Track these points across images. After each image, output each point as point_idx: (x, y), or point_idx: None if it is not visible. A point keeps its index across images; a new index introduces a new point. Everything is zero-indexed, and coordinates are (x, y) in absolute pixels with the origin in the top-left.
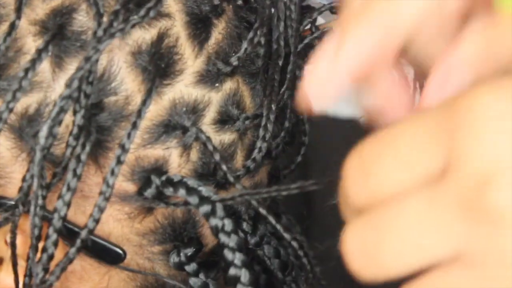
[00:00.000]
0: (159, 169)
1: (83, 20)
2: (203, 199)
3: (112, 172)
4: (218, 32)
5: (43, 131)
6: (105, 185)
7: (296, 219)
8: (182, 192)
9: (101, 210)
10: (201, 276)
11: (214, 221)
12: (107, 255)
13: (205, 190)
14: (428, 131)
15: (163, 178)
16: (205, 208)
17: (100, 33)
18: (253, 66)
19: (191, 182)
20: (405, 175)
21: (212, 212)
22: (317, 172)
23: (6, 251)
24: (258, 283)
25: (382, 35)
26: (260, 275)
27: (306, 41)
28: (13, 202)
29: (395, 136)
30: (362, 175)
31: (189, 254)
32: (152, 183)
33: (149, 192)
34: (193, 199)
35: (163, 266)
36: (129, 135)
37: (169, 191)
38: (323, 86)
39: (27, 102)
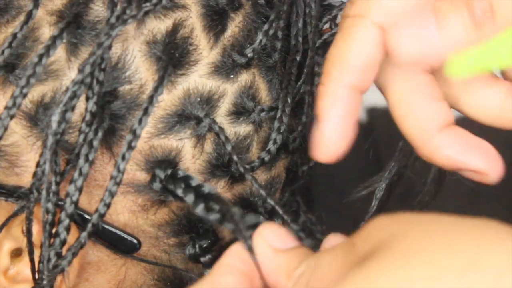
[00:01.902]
0: (172, 160)
1: (99, 10)
2: (198, 198)
3: (123, 157)
4: (235, 25)
5: (56, 116)
6: (116, 170)
7: None
8: (179, 190)
9: (112, 194)
10: None
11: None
12: (122, 244)
13: (208, 188)
14: None
15: (168, 172)
16: (200, 208)
17: (113, 20)
18: (270, 60)
19: (194, 181)
20: None
21: (208, 210)
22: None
23: (24, 241)
24: None
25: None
26: None
27: (325, 37)
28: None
29: None
30: None
31: (204, 245)
32: (156, 177)
33: (156, 186)
34: (189, 198)
35: (180, 259)
36: (140, 121)
37: (171, 186)
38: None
39: (43, 90)
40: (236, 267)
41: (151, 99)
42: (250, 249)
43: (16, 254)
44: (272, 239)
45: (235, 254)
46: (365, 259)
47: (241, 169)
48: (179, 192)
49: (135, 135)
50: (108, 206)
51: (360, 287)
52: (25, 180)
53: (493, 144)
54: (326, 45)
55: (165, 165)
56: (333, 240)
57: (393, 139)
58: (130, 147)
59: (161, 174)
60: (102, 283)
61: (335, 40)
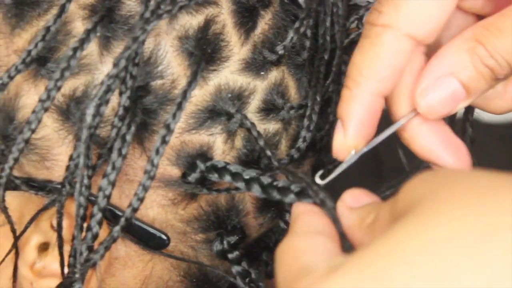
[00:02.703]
0: (204, 154)
1: (131, 4)
2: (249, 181)
3: (157, 152)
4: (265, 22)
5: (90, 109)
6: (149, 164)
7: None
8: (228, 177)
9: (146, 189)
10: (244, 264)
11: (273, 193)
12: (151, 240)
13: (247, 172)
14: None
15: (208, 163)
16: (256, 188)
17: (147, 14)
18: (299, 58)
19: (234, 168)
20: None
21: (264, 190)
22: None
23: (52, 236)
24: None
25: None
26: None
27: (352, 36)
28: (58, 185)
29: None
30: None
31: (232, 242)
32: (197, 167)
33: (193, 176)
34: (240, 184)
35: (206, 256)
36: (174, 115)
37: (214, 176)
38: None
39: (75, 84)
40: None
41: (185, 94)
42: (334, 218)
43: (43, 248)
44: (348, 199)
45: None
46: (398, 218)
47: (275, 163)
48: (227, 179)
49: (169, 130)
50: (141, 200)
51: (386, 252)
52: (56, 174)
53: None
54: (353, 45)
55: (204, 158)
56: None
57: (393, 140)
58: (164, 142)
59: (201, 165)
60: (128, 279)
61: (361, 46)
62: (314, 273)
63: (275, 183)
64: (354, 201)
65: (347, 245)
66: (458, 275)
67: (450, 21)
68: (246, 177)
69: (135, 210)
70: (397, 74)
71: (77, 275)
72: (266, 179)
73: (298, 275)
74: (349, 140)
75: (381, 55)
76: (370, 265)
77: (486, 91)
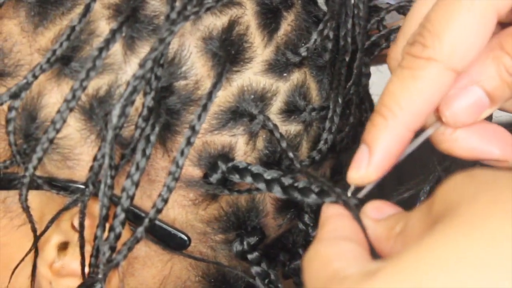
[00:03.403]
0: (225, 155)
1: (156, 4)
2: (270, 182)
3: (182, 153)
4: (288, 23)
5: (116, 110)
6: (174, 166)
7: None
8: (249, 178)
9: (170, 190)
10: (263, 265)
11: (294, 194)
12: (172, 240)
13: (269, 173)
14: None
15: (230, 164)
16: (276, 188)
17: (173, 15)
18: (320, 60)
19: (256, 168)
20: None
21: (285, 191)
22: None
23: (73, 235)
24: None
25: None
26: None
27: (373, 39)
28: (81, 185)
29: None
30: None
31: (252, 243)
32: (219, 168)
33: (215, 177)
34: (261, 185)
35: (226, 256)
36: (199, 117)
37: (235, 177)
38: None
39: (98, 83)
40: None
41: (210, 95)
42: (358, 217)
43: (62, 248)
44: (371, 212)
45: (335, 221)
46: (436, 222)
47: (297, 165)
48: (248, 180)
49: (194, 131)
50: (166, 201)
51: (427, 256)
52: (77, 173)
53: None
54: (373, 47)
55: (225, 158)
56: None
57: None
58: (189, 143)
59: (223, 166)
60: (147, 278)
61: (402, 77)
62: (348, 279)
63: (295, 184)
64: (377, 213)
65: (374, 253)
66: (503, 280)
67: None
68: (268, 177)
69: (159, 211)
70: (432, 109)
71: (100, 275)
72: (287, 180)
73: (330, 281)
74: (371, 171)
75: (423, 89)
76: (411, 268)
77: (510, 98)
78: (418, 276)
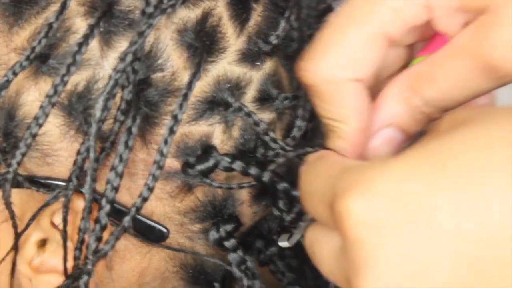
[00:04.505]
0: (212, 146)
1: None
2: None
3: (166, 142)
4: (257, 14)
5: (99, 104)
6: (159, 155)
7: None
8: (239, 164)
9: (155, 178)
10: (239, 252)
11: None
12: (152, 233)
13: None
14: (325, 199)
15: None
16: (266, 175)
17: (150, 9)
18: (289, 49)
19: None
20: (318, 218)
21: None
22: None
23: (53, 232)
24: (292, 266)
25: None
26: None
27: None
28: (62, 182)
29: (313, 187)
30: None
31: (228, 230)
32: (211, 158)
33: (205, 165)
34: (253, 170)
35: (203, 246)
36: (181, 106)
37: (223, 166)
38: None
39: (76, 79)
40: None
41: (190, 85)
42: None
43: (40, 245)
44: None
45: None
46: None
47: (281, 144)
48: (237, 166)
49: (176, 120)
50: (151, 190)
51: (433, 147)
52: (56, 170)
53: None
54: None
55: (216, 148)
56: None
57: None
58: (172, 132)
59: (217, 155)
60: (127, 272)
61: (329, 97)
62: (364, 166)
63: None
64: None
65: None
66: None
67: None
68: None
69: (145, 199)
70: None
71: (89, 266)
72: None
73: (342, 173)
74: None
75: (344, 102)
76: (437, 150)
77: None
78: (444, 157)
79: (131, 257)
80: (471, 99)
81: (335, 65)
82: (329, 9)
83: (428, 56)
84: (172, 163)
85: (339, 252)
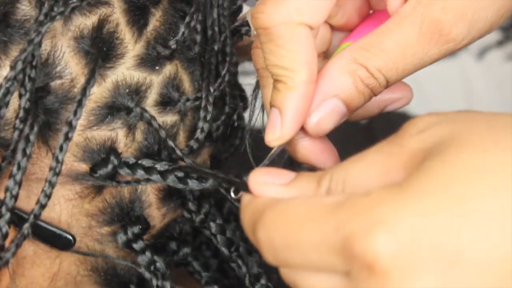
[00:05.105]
0: (115, 150)
1: (26, 9)
2: (165, 173)
3: (61, 148)
4: (156, 19)
5: None
6: (54, 161)
7: None
8: (140, 172)
9: (52, 185)
10: (148, 254)
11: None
12: (57, 240)
13: (160, 165)
14: (328, 245)
15: (120, 159)
16: (172, 178)
17: (41, 17)
18: (190, 52)
19: (146, 162)
20: (310, 268)
21: (182, 180)
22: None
23: None
24: (209, 267)
25: None
26: (211, 259)
27: (238, 23)
28: None
29: (301, 237)
30: (274, 256)
31: (136, 232)
32: (110, 163)
33: (104, 171)
34: (155, 177)
35: (113, 248)
36: (75, 112)
37: (125, 171)
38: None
39: None
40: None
41: (84, 91)
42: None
43: None
44: (273, 179)
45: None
46: (431, 154)
47: (179, 153)
48: (140, 174)
49: (71, 127)
50: (49, 197)
51: (447, 174)
52: None
53: None
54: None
55: (116, 153)
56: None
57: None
58: (67, 138)
59: (115, 160)
60: (37, 277)
61: (274, 47)
62: (372, 195)
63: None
64: (280, 178)
65: None
66: None
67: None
68: (161, 169)
69: (43, 206)
70: (315, 59)
71: None
72: (179, 172)
73: (349, 212)
74: (286, 131)
75: (297, 47)
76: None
77: (362, 106)
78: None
79: (41, 262)
80: (418, 68)
81: (293, 8)
82: (239, 10)
83: (375, 29)
84: (80, 166)
85: None
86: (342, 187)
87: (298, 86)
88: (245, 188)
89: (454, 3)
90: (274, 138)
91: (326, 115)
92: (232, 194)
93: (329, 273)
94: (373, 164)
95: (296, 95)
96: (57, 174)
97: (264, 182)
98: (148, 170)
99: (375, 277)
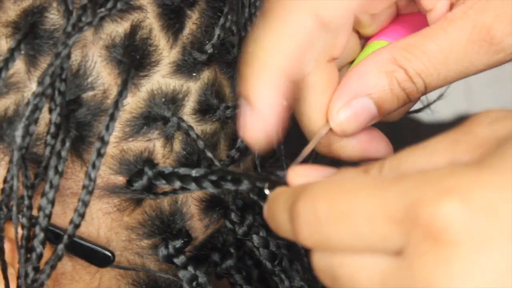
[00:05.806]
0: (151, 161)
1: (54, 18)
2: (200, 179)
3: (93, 165)
4: (192, 22)
5: (19, 130)
6: (87, 179)
7: None
8: (177, 182)
9: (85, 204)
10: (190, 268)
11: (226, 185)
12: (96, 257)
13: (196, 171)
14: (387, 214)
15: (155, 170)
16: (207, 184)
17: (69, 28)
18: (228, 56)
19: (182, 170)
20: (356, 245)
21: (217, 184)
22: None
23: None
24: (251, 278)
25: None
26: (253, 270)
27: None
28: None
29: (352, 205)
30: (315, 232)
31: (177, 246)
32: (145, 174)
33: (140, 183)
34: (191, 185)
35: (154, 261)
36: (107, 127)
37: (161, 182)
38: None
39: (5, 104)
40: None
41: (116, 104)
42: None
43: None
44: (315, 172)
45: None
46: (507, 140)
47: (217, 164)
48: (176, 183)
49: (104, 142)
50: (82, 216)
51: None
52: None
53: None
54: None
55: (151, 164)
56: None
57: (393, 141)
58: (99, 155)
59: (149, 172)
60: None
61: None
62: (446, 172)
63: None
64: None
65: None
66: None
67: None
68: (196, 175)
69: (77, 226)
70: (300, 53)
71: None
72: (214, 175)
73: (417, 182)
74: (257, 122)
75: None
76: None
77: (394, 111)
78: None
79: (80, 277)
80: (461, 77)
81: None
82: None
83: (418, 32)
84: (117, 179)
85: (392, 274)
86: (397, 173)
87: (268, 71)
88: (283, 184)
89: (509, 11)
90: (247, 132)
91: (354, 114)
92: (267, 191)
93: (375, 254)
94: (434, 150)
95: (265, 81)
96: (90, 192)
97: (305, 174)
98: (182, 178)
99: (439, 249)
